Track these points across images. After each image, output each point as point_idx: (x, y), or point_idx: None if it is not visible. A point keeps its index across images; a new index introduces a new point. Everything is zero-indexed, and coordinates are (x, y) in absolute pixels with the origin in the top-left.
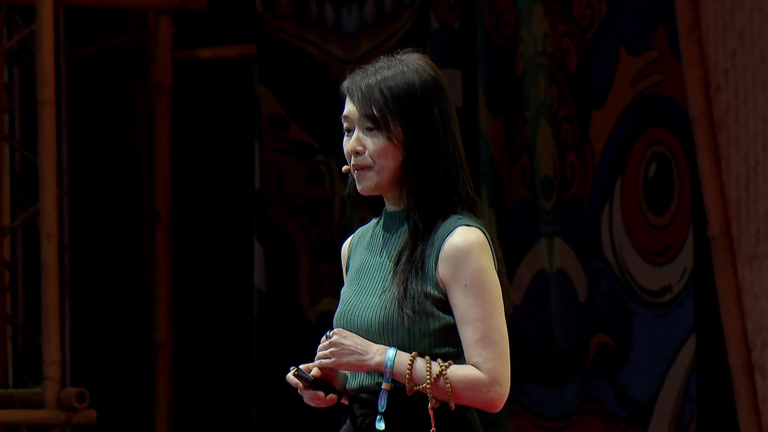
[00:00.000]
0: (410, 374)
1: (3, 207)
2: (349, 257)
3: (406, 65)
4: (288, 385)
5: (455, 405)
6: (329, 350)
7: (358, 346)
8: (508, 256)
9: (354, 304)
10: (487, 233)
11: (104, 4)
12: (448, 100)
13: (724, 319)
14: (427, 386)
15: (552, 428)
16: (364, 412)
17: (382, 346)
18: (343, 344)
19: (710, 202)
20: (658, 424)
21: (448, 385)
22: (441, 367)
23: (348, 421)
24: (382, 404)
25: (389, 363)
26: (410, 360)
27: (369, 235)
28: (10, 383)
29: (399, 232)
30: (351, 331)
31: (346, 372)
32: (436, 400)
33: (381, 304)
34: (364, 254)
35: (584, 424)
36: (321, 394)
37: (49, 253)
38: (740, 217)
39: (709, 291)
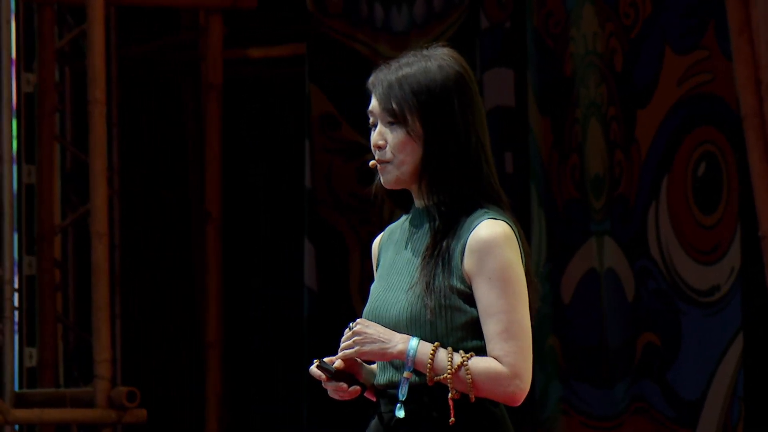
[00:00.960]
0: (432, 364)
1: (54, 206)
2: (379, 254)
3: (430, 60)
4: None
5: (482, 400)
6: (352, 339)
7: (381, 335)
8: (558, 255)
9: (382, 299)
10: (514, 227)
11: (155, 4)
12: (471, 94)
13: None
14: (448, 376)
15: (601, 428)
16: (392, 407)
17: (405, 336)
18: (366, 333)
19: (761, 202)
20: (706, 423)
21: (469, 376)
22: (462, 358)
23: (376, 416)
24: (402, 392)
25: (411, 352)
26: (432, 350)
27: (398, 231)
28: (61, 382)
29: (425, 227)
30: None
31: (374, 368)
32: (456, 391)
33: (408, 299)
34: (392, 251)
35: (632, 424)
36: (344, 385)
37: (100, 252)
38: None
39: (756, 290)
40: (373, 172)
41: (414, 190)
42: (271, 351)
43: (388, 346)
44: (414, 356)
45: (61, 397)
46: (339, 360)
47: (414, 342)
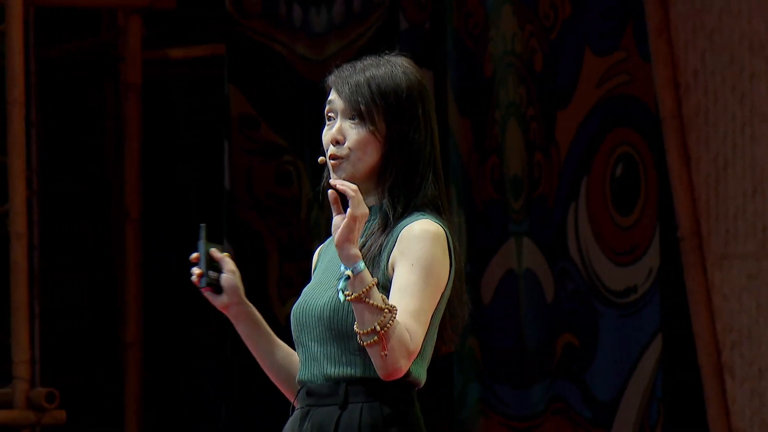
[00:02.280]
0: (368, 287)
1: None
2: (318, 260)
3: (394, 66)
4: (263, 387)
5: (398, 401)
6: (345, 221)
7: (353, 235)
8: (478, 256)
9: (311, 295)
10: (449, 235)
11: (73, 4)
12: (431, 105)
13: (694, 320)
14: (379, 304)
15: (520, 428)
16: (309, 402)
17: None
18: (350, 223)
19: (680, 203)
20: (622, 424)
21: (391, 323)
22: (392, 309)
23: (296, 411)
24: (341, 285)
25: (361, 264)
26: (374, 281)
27: None
28: None
29: (367, 225)
30: (305, 320)
31: (286, 350)
32: (360, 336)
33: (333, 292)
34: (332, 253)
35: (551, 425)
36: (214, 294)
37: (19, 252)
38: (710, 218)
39: (675, 291)
40: (291, 173)
41: (363, 188)
42: (190, 351)
43: (352, 243)
44: (361, 268)
45: None
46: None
47: (362, 263)
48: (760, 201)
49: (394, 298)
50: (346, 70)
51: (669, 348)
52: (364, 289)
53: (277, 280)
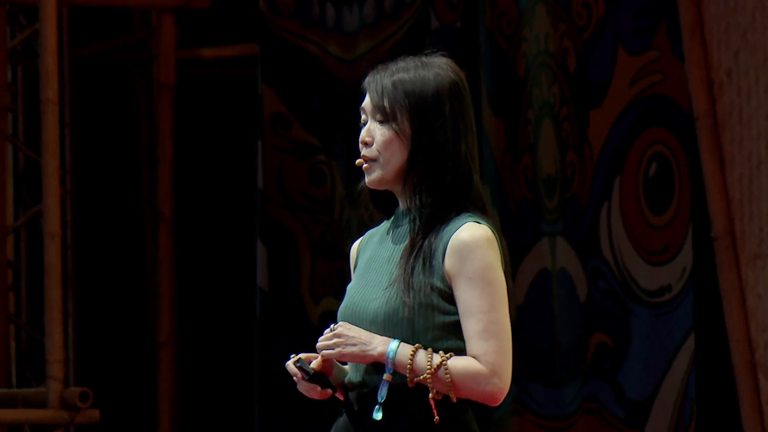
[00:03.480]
0: (411, 365)
1: (7, 206)
2: (357, 257)
3: (427, 65)
4: (290, 385)
5: (451, 405)
6: (333, 341)
7: (362, 337)
8: (511, 256)
9: (360, 296)
10: (495, 233)
11: (107, 4)
12: (465, 105)
13: (728, 319)
14: (428, 377)
15: (553, 428)
16: (363, 406)
17: (385, 338)
18: (346, 335)
19: (713, 202)
20: (656, 424)
21: (448, 375)
22: (442, 358)
23: (344, 414)
24: (382, 395)
25: (391, 354)
26: (412, 351)
27: (379, 234)
28: (13, 383)
29: (406, 228)
30: (356, 323)
31: (346, 367)
32: (437, 392)
33: (386, 296)
34: (373, 251)
35: (583, 424)
36: (318, 387)
37: (52, 252)
38: (743, 217)
39: (709, 291)
40: (324, 172)
41: (398, 191)
42: (223, 351)
43: (368, 348)
44: (394, 358)
45: (13, 397)
46: (317, 360)
47: (394, 344)
48: None
49: (463, 323)
50: (379, 72)
51: (702, 347)
52: (408, 373)
53: (309, 279)
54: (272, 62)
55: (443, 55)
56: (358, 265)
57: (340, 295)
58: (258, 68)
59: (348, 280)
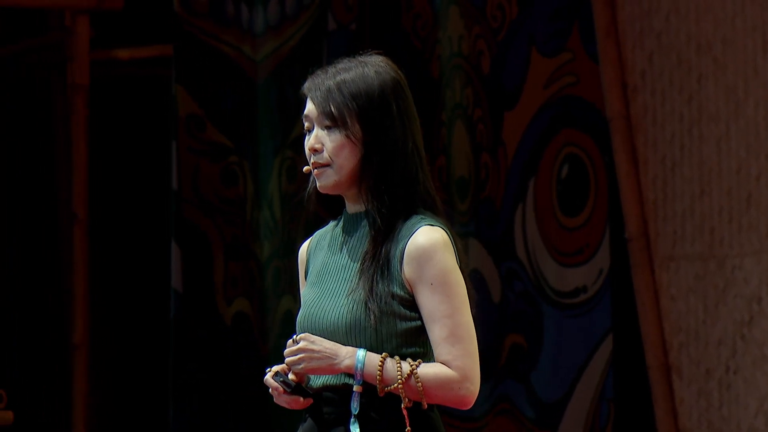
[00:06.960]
0: (381, 375)
1: None
2: (308, 261)
3: (367, 65)
4: (202, 388)
5: (420, 410)
6: (298, 356)
7: (327, 350)
8: None
9: (318, 306)
10: (449, 233)
11: (20, 4)
12: (408, 101)
13: (642, 321)
14: (399, 386)
15: (465, 428)
16: (328, 410)
17: (351, 349)
18: (311, 349)
19: (627, 204)
20: (570, 425)
21: (419, 383)
22: (411, 366)
23: (309, 419)
24: (354, 407)
25: (359, 365)
26: (381, 361)
27: (329, 237)
28: None
29: (360, 232)
30: (316, 333)
31: None
32: (408, 399)
33: (348, 305)
34: (325, 256)
35: (496, 425)
36: (300, 399)
37: None
38: (657, 219)
39: (627, 292)
40: (237, 173)
41: (349, 195)
42: (137, 352)
43: (335, 361)
44: (362, 369)
45: None
46: (291, 373)
47: (361, 354)
48: (708, 202)
49: (429, 329)
50: (319, 76)
51: (619, 348)
52: (378, 383)
53: (222, 280)
54: (186, 63)
55: (378, 53)
56: (309, 271)
57: (251, 295)
58: (172, 69)
59: (296, 281)
